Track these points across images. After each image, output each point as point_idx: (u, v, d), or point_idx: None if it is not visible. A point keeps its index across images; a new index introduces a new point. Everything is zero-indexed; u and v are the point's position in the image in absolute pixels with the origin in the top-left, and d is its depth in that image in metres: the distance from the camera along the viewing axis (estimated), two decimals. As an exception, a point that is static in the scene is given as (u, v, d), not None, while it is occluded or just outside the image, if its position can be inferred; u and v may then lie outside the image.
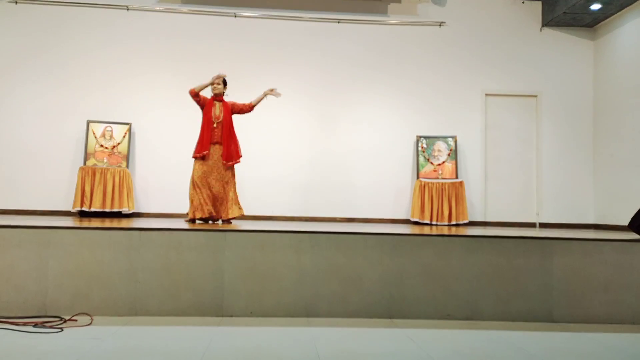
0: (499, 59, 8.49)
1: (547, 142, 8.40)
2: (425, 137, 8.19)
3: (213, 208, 5.73)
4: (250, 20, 8.40)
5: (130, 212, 7.73)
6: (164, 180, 8.06)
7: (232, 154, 5.83)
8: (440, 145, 8.15)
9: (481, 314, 3.98)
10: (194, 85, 5.91)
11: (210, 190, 5.73)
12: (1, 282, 3.69)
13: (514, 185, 8.36)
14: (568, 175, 8.36)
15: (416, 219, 7.83)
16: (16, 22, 8.07)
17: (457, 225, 7.73)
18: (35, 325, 3.35)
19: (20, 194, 7.80)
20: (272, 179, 8.16)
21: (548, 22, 8.37)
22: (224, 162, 5.77)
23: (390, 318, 3.93)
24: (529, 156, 8.42)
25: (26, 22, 8.09)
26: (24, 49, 8.05)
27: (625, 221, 4.89)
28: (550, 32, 8.55)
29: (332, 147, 8.27)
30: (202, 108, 5.89)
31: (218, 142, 5.79)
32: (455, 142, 8.15)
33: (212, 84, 5.87)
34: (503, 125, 8.43)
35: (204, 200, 5.66)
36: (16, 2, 8.04)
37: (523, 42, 8.54)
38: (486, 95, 8.42)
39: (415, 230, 5.68)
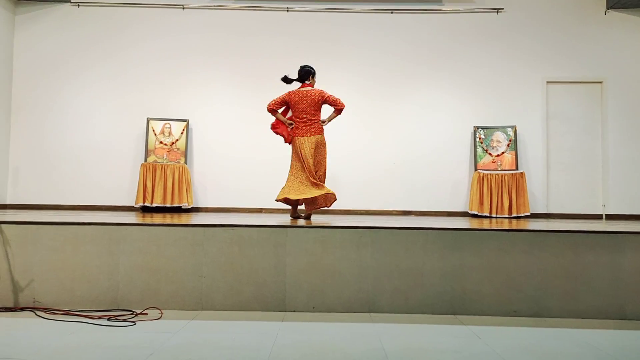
0: (561, 45, 8.17)
1: (613, 130, 8.04)
2: (482, 128, 7.99)
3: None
4: (302, 14, 8.41)
5: (190, 207, 7.93)
6: (221, 175, 8.23)
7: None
8: (499, 135, 7.94)
9: (548, 310, 3.86)
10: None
11: None
12: (75, 277, 3.86)
13: (577, 175, 8.06)
14: (636, 164, 7.98)
15: (475, 212, 7.67)
16: (78, 25, 8.39)
17: (517, 217, 7.53)
18: (109, 318, 3.49)
19: (85, 191, 8.13)
20: (329, 174, 8.18)
21: (614, 4, 7.97)
22: None
23: (453, 314, 3.87)
24: (593, 145, 8.09)
25: (87, 24, 8.40)
26: (86, 50, 8.36)
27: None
28: (616, 15, 8.14)
29: (387, 141, 8.20)
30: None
31: None
32: (515, 132, 7.92)
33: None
34: (565, 113, 8.12)
35: None
36: (78, 5, 8.36)
37: (586, 26, 8.18)
38: (547, 82, 8.12)
39: (475, 223, 5.57)
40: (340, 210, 8.01)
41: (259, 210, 8.04)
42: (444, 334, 3.34)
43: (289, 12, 8.39)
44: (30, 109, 8.28)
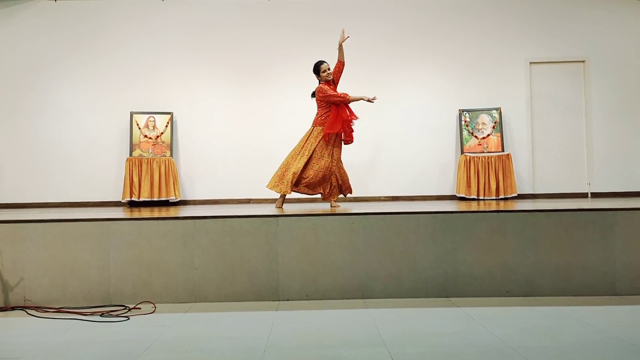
0: (543, 25, 8.18)
1: (597, 109, 8.10)
2: (467, 111, 8.02)
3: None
4: (283, 3, 8.32)
5: (177, 200, 7.87)
6: (208, 167, 8.16)
7: None
8: (484, 118, 7.97)
9: (541, 289, 3.90)
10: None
11: None
12: (66, 274, 3.81)
13: (563, 155, 8.12)
14: (620, 141, 8.06)
15: (462, 195, 7.71)
16: (56, 20, 8.23)
17: (505, 199, 7.58)
18: (102, 314, 3.45)
19: (71, 187, 8.02)
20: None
21: (594, -17, 8.01)
22: None
23: (446, 297, 3.90)
24: (577, 124, 8.15)
25: (66, 19, 8.23)
26: (66, 46, 8.21)
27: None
28: (598, -8, 8.18)
29: (373, 127, 8.17)
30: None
31: None
32: (500, 114, 7.95)
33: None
34: (549, 93, 8.16)
35: None
36: (55, 0, 8.19)
37: (567, 5, 8.18)
38: (530, 63, 8.15)
39: (463, 206, 5.60)
40: (329, 198, 7.98)
41: (248, 201, 8.01)
42: (439, 317, 3.36)
43: (270, 0, 8.30)
44: (9, 107, 8.12)
